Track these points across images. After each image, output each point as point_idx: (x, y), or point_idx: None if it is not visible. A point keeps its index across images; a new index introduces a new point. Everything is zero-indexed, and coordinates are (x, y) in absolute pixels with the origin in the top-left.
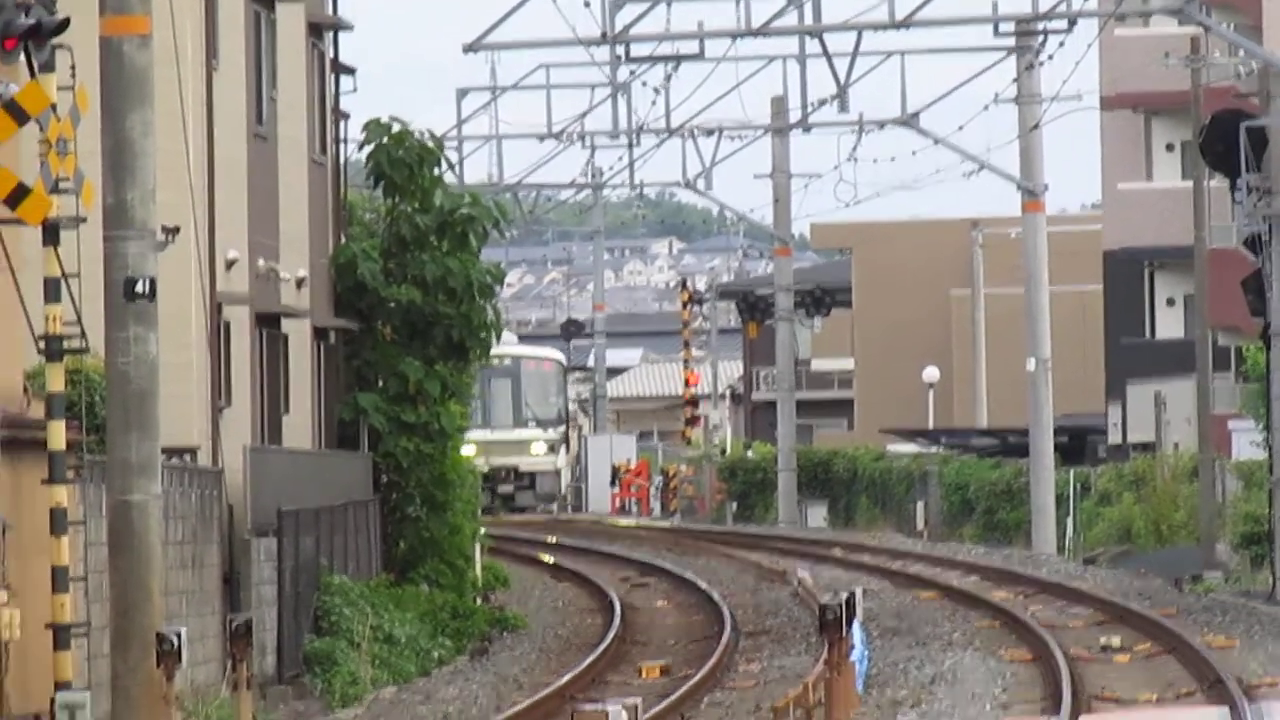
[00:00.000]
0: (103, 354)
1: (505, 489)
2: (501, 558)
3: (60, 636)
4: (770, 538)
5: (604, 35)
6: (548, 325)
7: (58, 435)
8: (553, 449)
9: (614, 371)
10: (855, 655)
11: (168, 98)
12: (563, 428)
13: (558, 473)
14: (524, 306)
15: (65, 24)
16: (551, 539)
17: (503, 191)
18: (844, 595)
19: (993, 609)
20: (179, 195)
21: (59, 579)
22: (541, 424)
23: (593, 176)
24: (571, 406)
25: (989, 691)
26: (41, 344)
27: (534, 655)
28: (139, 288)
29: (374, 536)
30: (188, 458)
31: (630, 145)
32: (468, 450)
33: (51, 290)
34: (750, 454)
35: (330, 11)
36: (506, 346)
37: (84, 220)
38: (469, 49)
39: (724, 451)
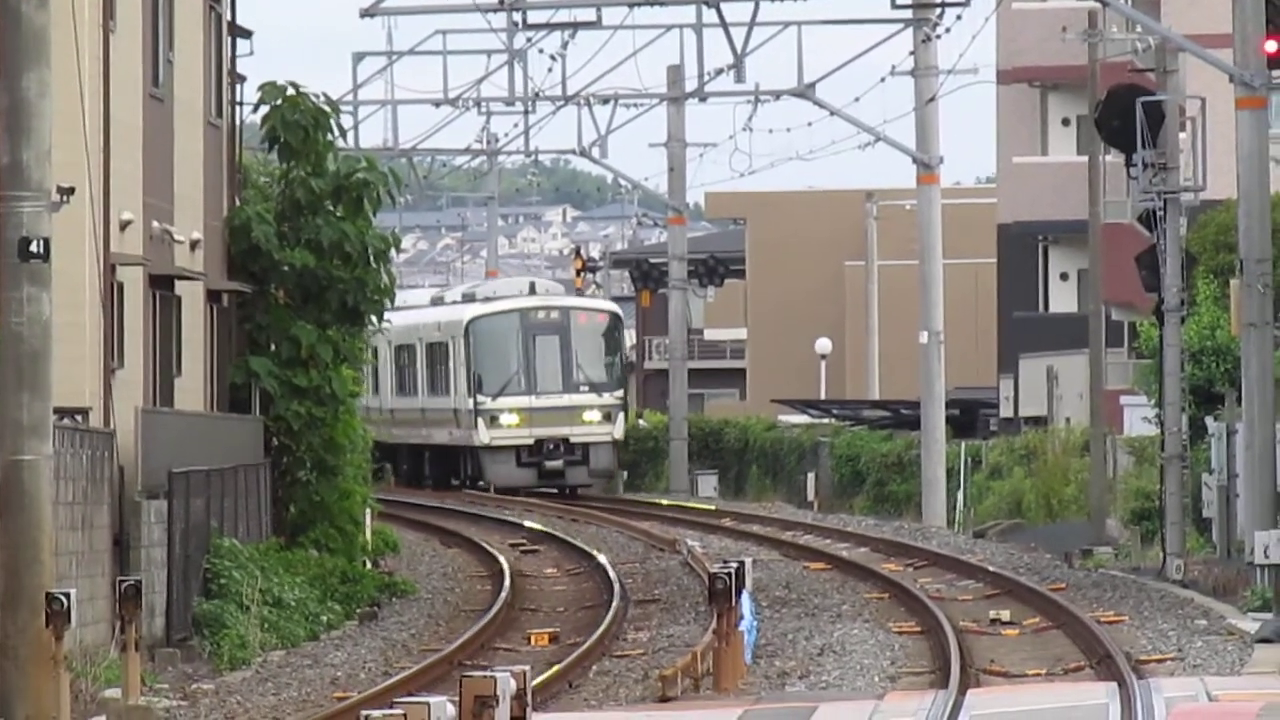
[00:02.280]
0: None
1: (553, 464)
2: (392, 523)
3: None
4: (661, 507)
5: (501, 2)
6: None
7: None
8: (608, 417)
9: None
10: (744, 625)
11: (64, 59)
12: (620, 392)
13: (614, 444)
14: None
15: None
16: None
17: (398, 157)
18: (733, 565)
19: (882, 581)
20: (74, 156)
21: None
22: (595, 387)
23: (488, 143)
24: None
25: (877, 664)
26: None
27: (423, 621)
28: (33, 248)
29: (264, 500)
30: (79, 418)
31: (526, 112)
32: (512, 419)
33: None
34: (642, 423)
35: None
36: (553, 297)
37: None
38: (366, 14)
39: None
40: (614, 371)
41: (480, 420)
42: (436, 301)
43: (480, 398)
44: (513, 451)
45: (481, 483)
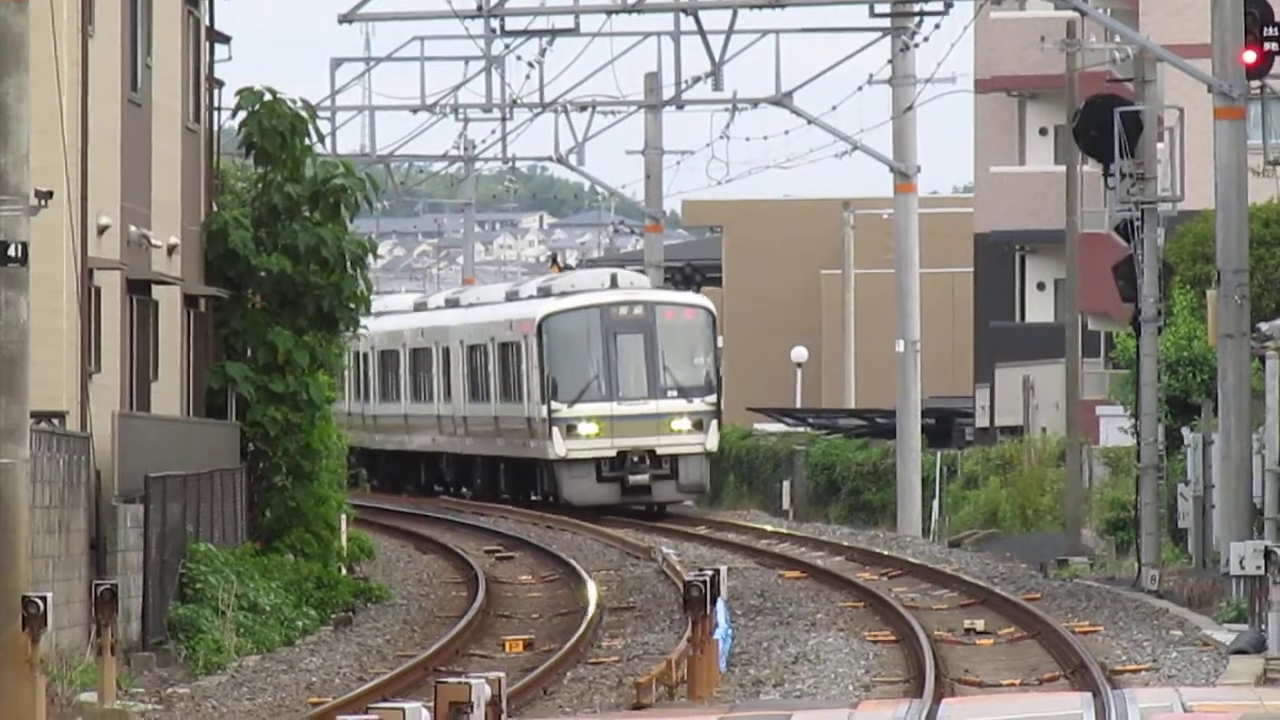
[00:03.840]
0: None
1: (638, 479)
2: (366, 529)
3: None
4: (638, 514)
5: (479, 8)
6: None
7: None
8: (700, 425)
9: None
10: (719, 633)
11: (43, 63)
12: (713, 397)
13: (706, 456)
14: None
15: None
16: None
17: (375, 163)
18: (708, 573)
19: (857, 590)
20: (52, 160)
21: None
22: (685, 392)
23: (465, 149)
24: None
25: (852, 672)
26: None
27: (398, 627)
28: (11, 252)
29: (240, 505)
30: (56, 422)
31: (503, 119)
32: (590, 428)
33: None
34: None
35: None
36: (637, 291)
37: None
38: (344, 19)
39: None
40: (706, 374)
41: (555, 430)
42: (511, 297)
43: (555, 405)
44: (592, 465)
45: (560, 500)
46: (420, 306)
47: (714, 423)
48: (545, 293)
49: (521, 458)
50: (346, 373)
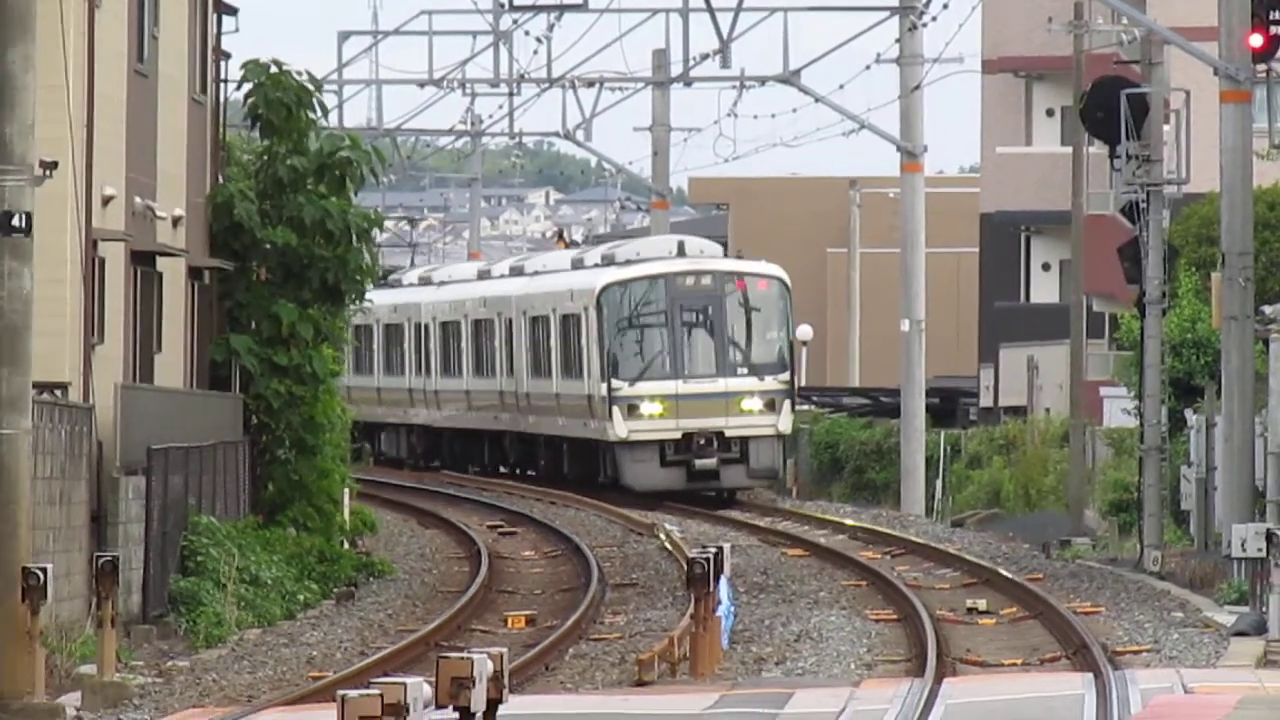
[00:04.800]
0: None
1: (705, 463)
2: (369, 503)
3: None
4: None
5: None
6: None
7: None
8: (772, 405)
9: None
10: (721, 610)
11: (49, 34)
12: (786, 375)
13: (780, 439)
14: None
15: None
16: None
17: (381, 136)
18: (711, 550)
19: (860, 568)
20: (58, 131)
21: None
22: (756, 370)
23: (472, 124)
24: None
25: (854, 651)
26: None
27: (400, 601)
28: (15, 222)
29: (243, 478)
30: (58, 393)
31: (510, 94)
32: (654, 408)
33: None
34: None
35: None
36: (705, 259)
37: None
38: None
39: None
40: (779, 350)
41: (615, 410)
42: (576, 265)
43: (616, 383)
44: (655, 448)
45: (620, 485)
46: (484, 275)
47: (787, 403)
48: (608, 261)
49: (583, 439)
50: (407, 345)
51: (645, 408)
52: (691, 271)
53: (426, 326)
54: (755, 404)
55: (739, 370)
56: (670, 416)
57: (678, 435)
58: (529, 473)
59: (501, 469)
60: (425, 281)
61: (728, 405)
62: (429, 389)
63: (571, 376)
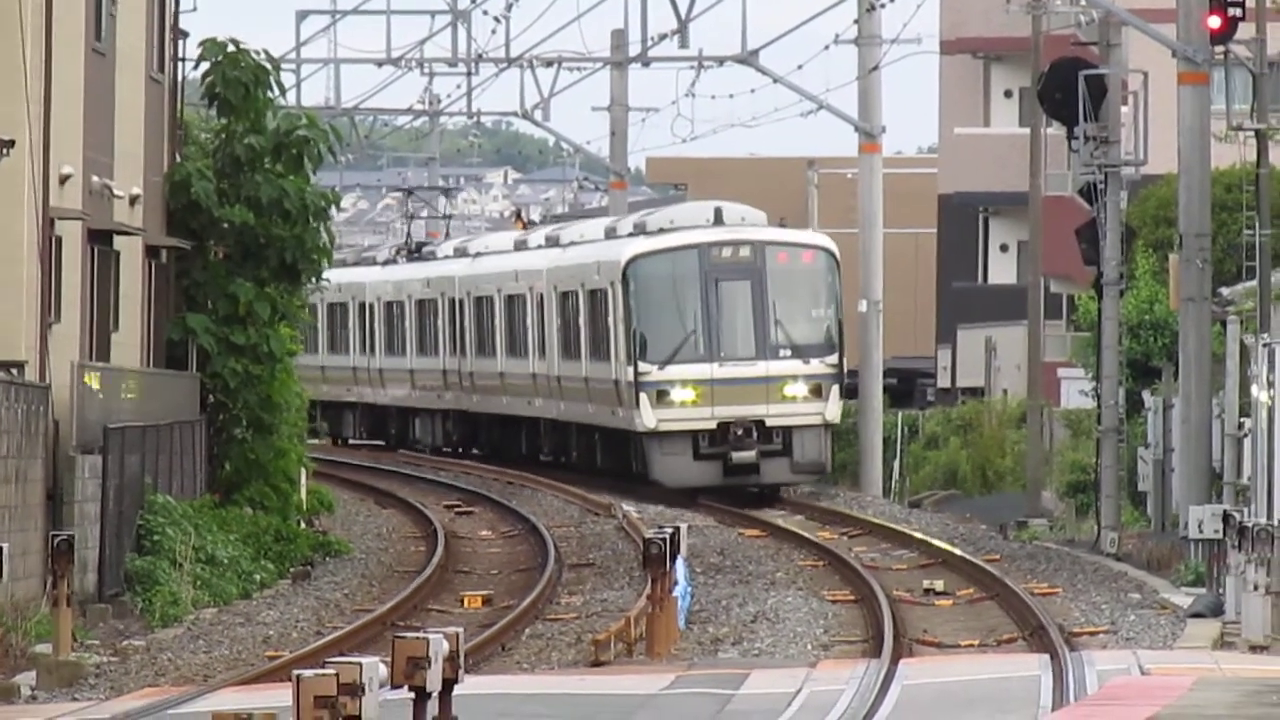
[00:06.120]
0: None
1: (743, 456)
2: (326, 482)
3: None
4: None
5: None
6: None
7: None
8: (818, 391)
9: None
10: (678, 591)
11: (6, 11)
12: (833, 357)
13: (826, 428)
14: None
15: None
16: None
17: (339, 116)
18: (668, 531)
19: (817, 549)
20: (15, 108)
21: None
22: (800, 351)
23: (430, 104)
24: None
25: (810, 631)
26: None
27: (356, 581)
28: None
29: (199, 457)
30: (15, 372)
31: (468, 74)
32: (686, 394)
33: None
34: None
35: None
36: (745, 229)
37: None
38: None
39: None
40: (827, 329)
41: (643, 396)
42: (610, 234)
43: (644, 366)
44: (688, 439)
45: (650, 479)
46: (521, 246)
47: (835, 388)
48: (640, 230)
49: (612, 428)
50: (440, 322)
51: (676, 394)
52: (728, 241)
53: (461, 302)
54: (800, 390)
55: (781, 352)
56: (705, 404)
57: (713, 425)
58: (553, 461)
59: (542, 457)
60: (461, 253)
61: (768, 391)
62: (464, 370)
63: (600, 358)
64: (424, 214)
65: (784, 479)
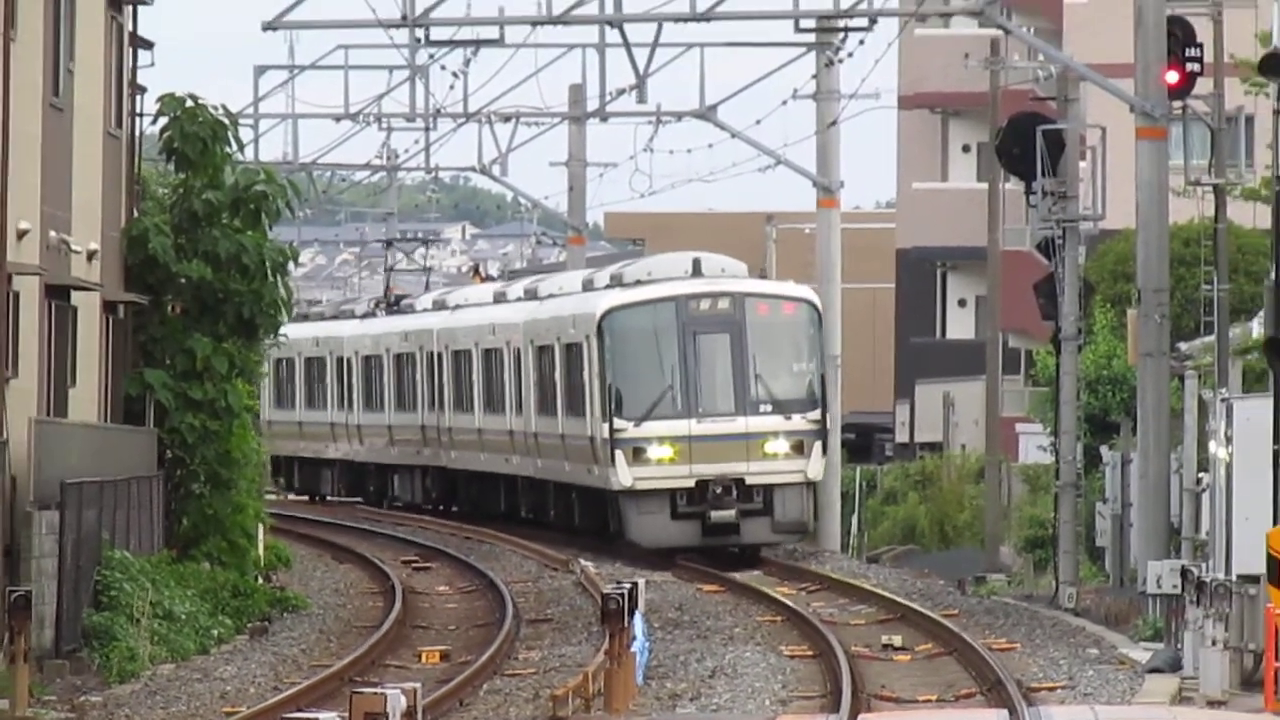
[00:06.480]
0: None
1: (722, 515)
2: (284, 538)
3: None
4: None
5: (404, 18)
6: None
7: None
8: (800, 448)
9: None
10: (636, 646)
11: None
12: (816, 413)
13: (809, 487)
14: (315, 287)
15: None
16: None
17: (297, 170)
18: (626, 586)
19: (775, 604)
20: None
21: None
22: (782, 407)
23: (388, 159)
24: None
25: (769, 687)
26: None
27: (314, 636)
28: None
29: (157, 512)
30: None
31: (426, 129)
32: (663, 452)
33: None
34: None
35: None
36: (724, 280)
37: None
38: (268, 27)
39: None
40: (809, 384)
41: (619, 454)
42: (586, 287)
43: (619, 422)
44: (665, 498)
45: (626, 539)
46: (500, 298)
47: (818, 445)
48: (617, 281)
49: (587, 487)
50: (418, 376)
51: (653, 451)
52: (706, 294)
53: (440, 355)
54: (781, 446)
55: (762, 408)
56: (682, 462)
57: (691, 483)
58: (532, 520)
59: (528, 514)
60: (440, 306)
61: (749, 448)
62: (442, 426)
63: (575, 415)
64: (402, 265)
65: (765, 539)
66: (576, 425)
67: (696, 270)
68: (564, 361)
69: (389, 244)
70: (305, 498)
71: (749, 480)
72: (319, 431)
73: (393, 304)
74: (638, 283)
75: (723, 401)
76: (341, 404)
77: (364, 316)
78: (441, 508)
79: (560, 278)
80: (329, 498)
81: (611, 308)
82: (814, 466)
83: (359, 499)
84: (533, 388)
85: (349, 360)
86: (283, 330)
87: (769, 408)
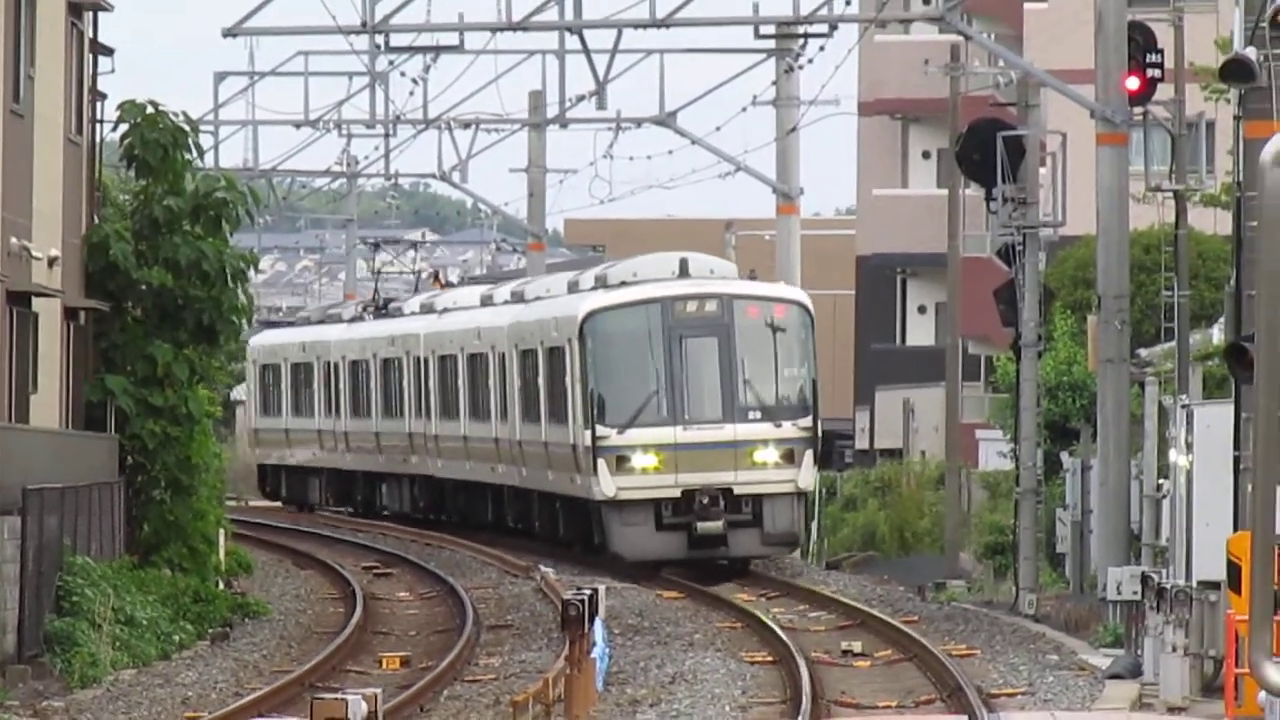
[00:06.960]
0: None
1: (709, 526)
2: (245, 543)
3: None
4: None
5: (364, 24)
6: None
7: None
8: (791, 457)
9: None
10: (596, 652)
11: None
12: (808, 420)
13: (800, 497)
14: (275, 293)
15: None
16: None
17: (258, 177)
18: (587, 592)
19: (735, 610)
20: None
21: None
22: (772, 414)
23: (348, 165)
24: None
25: (729, 693)
26: None
27: (275, 642)
28: None
29: (118, 519)
30: None
31: (386, 135)
32: (647, 460)
33: None
34: None
35: None
36: (712, 282)
37: None
38: (228, 33)
39: None
40: (800, 390)
41: (601, 463)
42: (571, 289)
43: (602, 430)
44: (650, 508)
45: (609, 551)
46: (487, 301)
47: (809, 453)
48: (601, 283)
49: (571, 496)
50: (405, 382)
51: (637, 460)
52: (694, 295)
53: (426, 361)
54: (770, 455)
55: (751, 414)
56: (667, 471)
57: (676, 493)
58: (520, 530)
59: (518, 525)
60: (427, 309)
61: (737, 457)
62: (429, 434)
63: (558, 422)
64: (392, 268)
65: (754, 551)
66: (559, 433)
67: (684, 271)
68: (547, 366)
69: (376, 245)
70: (295, 507)
71: (737, 490)
72: (306, 439)
73: (380, 307)
74: (623, 284)
75: (710, 408)
76: (329, 411)
77: (351, 320)
78: (430, 518)
79: (548, 279)
80: (316, 509)
81: (594, 310)
82: (805, 476)
83: (348, 509)
84: (517, 394)
85: (336, 366)
86: (272, 337)
87: (758, 414)
